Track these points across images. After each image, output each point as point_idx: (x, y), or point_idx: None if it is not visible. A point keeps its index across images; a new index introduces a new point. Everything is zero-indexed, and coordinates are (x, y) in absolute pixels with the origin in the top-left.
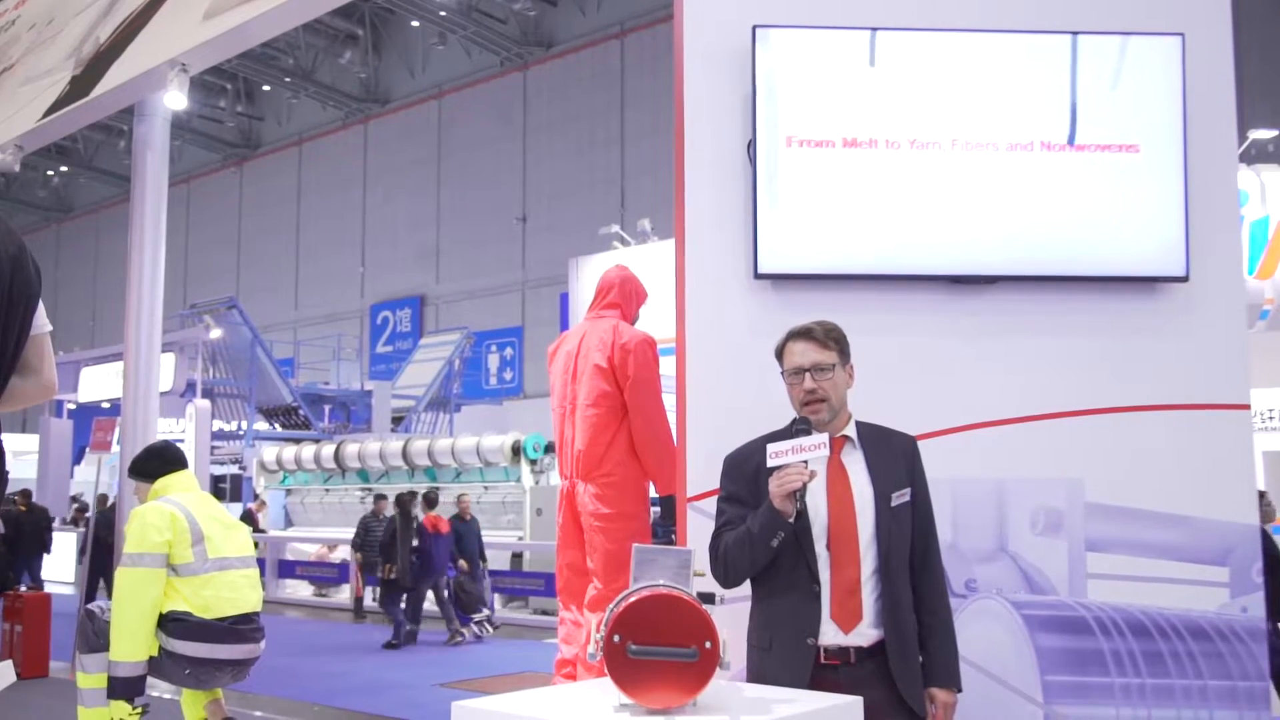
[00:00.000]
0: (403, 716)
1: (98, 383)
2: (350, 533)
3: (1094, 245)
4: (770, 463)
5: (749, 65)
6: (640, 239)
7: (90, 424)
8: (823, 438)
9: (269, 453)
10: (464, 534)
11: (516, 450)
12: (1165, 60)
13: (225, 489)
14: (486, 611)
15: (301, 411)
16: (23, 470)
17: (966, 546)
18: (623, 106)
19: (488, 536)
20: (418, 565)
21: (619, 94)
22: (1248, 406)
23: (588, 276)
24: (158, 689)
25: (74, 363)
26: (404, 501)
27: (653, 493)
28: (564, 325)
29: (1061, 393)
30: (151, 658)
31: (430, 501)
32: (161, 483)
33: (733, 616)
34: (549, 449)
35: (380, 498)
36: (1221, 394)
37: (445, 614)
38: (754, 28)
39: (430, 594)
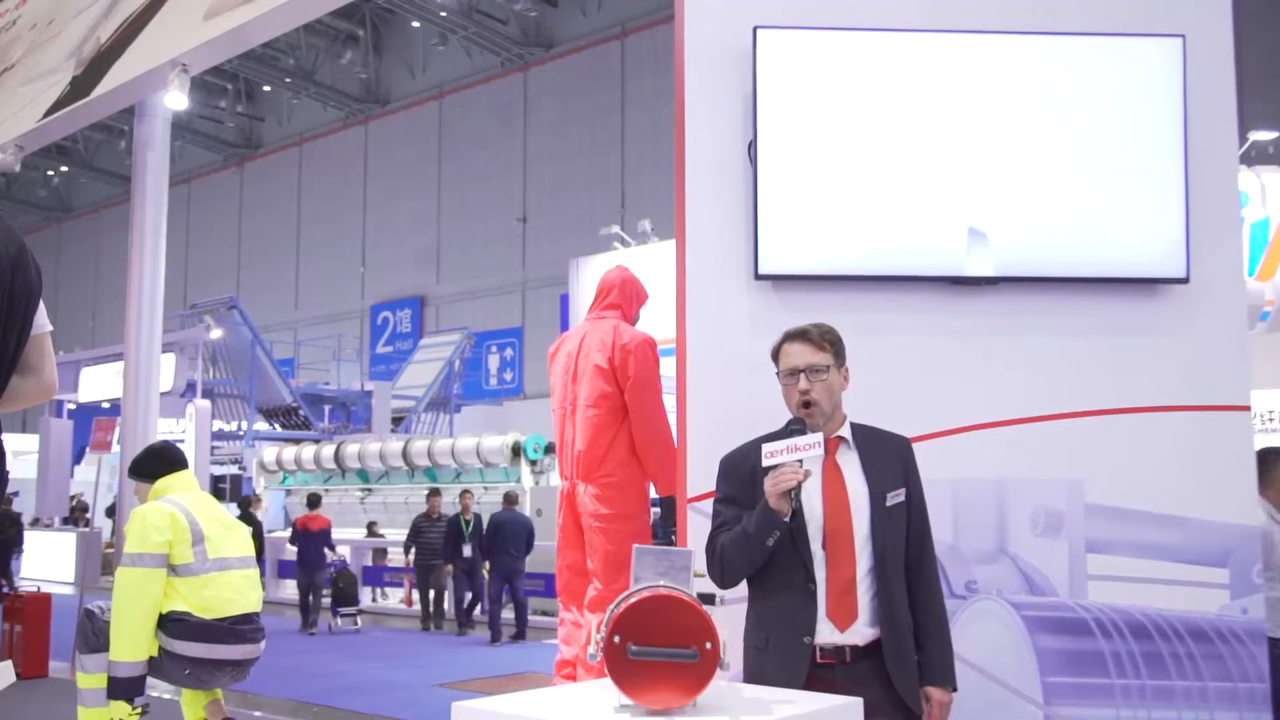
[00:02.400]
0: (403, 717)
1: (98, 382)
2: (349, 533)
3: (1094, 247)
4: (765, 462)
5: (750, 66)
6: (641, 239)
7: (90, 424)
8: (817, 437)
9: (269, 453)
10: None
11: (516, 451)
12: (1166, 62)
13: (225, 489)
14: (359, 607)
15: (301, 412)
16: (23, 470)
17: (967, 547)
18: (623, 107)
19: None
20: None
21: (619, 94)
22: (1248, 408)
23: (588, 277)
24: (158, 689)
25: (74, 362)
26: (246, 503)
27: (653, 493)
28: (564, 326)
29: (1062, 394)
30: (151, 658)
31: (312, 502)
32: (162, 483)
33: (732, 617)
34: (549, 450)
35: (434, 494)
36: (1222, 395)
37: (303, 606)
38: (755, 29)
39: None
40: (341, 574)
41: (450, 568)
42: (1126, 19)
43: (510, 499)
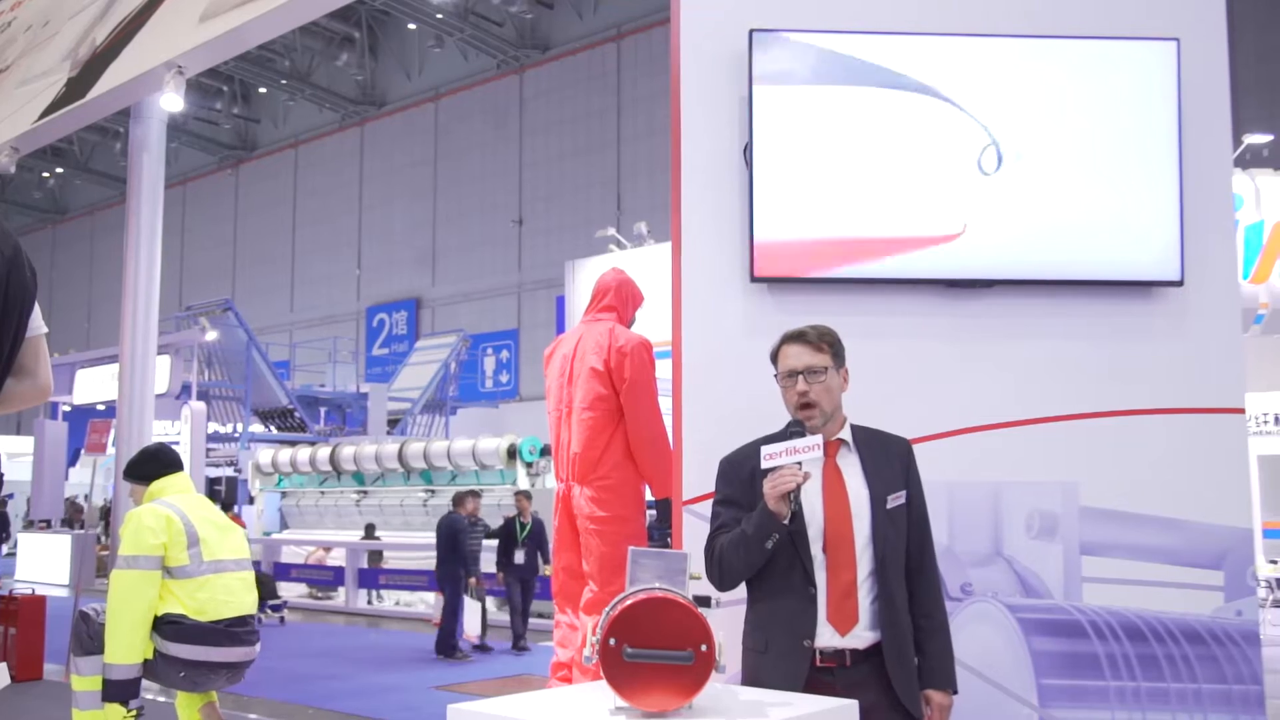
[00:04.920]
0: None
1: (93, 385)
2: (346, 535)
3: (1089, 249)
4: (764, 465)
5: (745, 68)
6: (636, 242)
7: (85, 426)
8: (817, 439)
9: (264, 455)
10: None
11: (512, 453)
12: (1160, 65)
13: (220, 491)
14: (283, 599)
15: (297, 414)
16: (18, 472)
17: (962, 550)
18: (619, 109)
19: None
20: None
21: (615, 97)
22: (1243, 410)
23: (584, 279)
24: (152, 692)
25: (69, 365)
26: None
27: (649, 496)
28: (560, 328)
29: (1057, 396)
30: (146, 660)
31: (225, 505)
32: (157, 485)
33: (729, 619)
34: (545, 452)
35: (473, 495)
36: (1216, 398)
37: None
38: (751, 31)
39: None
40: (260, 574)
41: (474, 581)
42: (1121, 22)
43: (454, 500)
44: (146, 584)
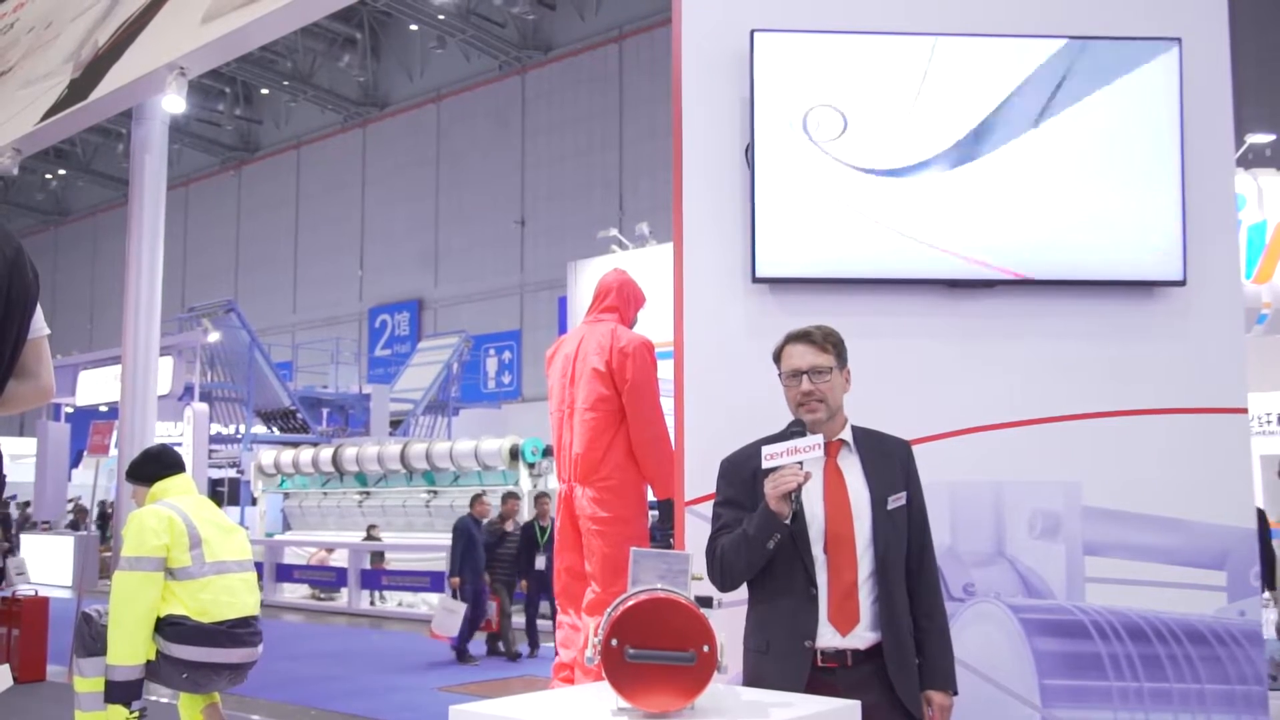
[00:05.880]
0: None
1: (95, 386)
2: (346, 536)
3: (1091, 249)
4: (765, 464)
5: (747, 69)
6: (638, 242)
7: (88, 427)
8: (817, 439)
9: (266, 456)
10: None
11: (514, 454)
12: (1163, 65)
13: (223, 493)
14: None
15: (299, 415)
16: (21, 474)
17: (964, 550)
18: (621, 110)
19: None
20: None
21: (617, 98)
22: (1245, 410)
23: (586, 280)
24: (155, 693)
25: (72, 366)
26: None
27: (651, 497)
28: (562, 329)
29: (1059, 396)
30: (149, 661)
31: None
32: (159, 486)
33: (730, 620)
34: (547, 452)
35: (511, 496)
36: (1219, 398)
37: None
38: (752, 32)
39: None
40: None
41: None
42: (1123, 23)
43: (471, 501)
44: (149, 585)
